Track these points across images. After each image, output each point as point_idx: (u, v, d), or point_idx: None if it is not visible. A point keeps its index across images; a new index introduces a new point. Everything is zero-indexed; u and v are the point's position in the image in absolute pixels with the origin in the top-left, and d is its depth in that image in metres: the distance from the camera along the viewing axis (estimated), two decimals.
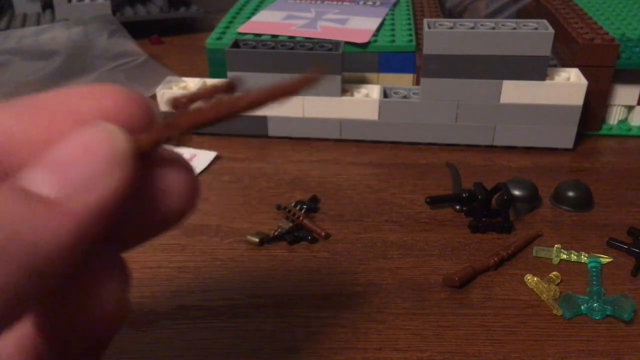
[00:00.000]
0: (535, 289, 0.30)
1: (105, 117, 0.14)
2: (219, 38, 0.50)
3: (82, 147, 0.13)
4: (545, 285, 0.30)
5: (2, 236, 0.12)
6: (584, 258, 0.32)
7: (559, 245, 0.33)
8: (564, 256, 0.33)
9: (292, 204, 0.36)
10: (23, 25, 0.64)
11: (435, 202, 0.37)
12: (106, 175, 0.13)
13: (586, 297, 0.29)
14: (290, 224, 0.35)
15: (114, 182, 0.13)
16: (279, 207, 0.36)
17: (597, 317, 0.29)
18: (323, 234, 0.34)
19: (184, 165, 0.15)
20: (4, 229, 0.12)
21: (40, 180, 0.13)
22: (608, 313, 0.28)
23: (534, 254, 0.33)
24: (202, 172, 0.41)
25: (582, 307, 0.29)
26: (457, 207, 0.37)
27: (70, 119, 0.14)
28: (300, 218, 0.35)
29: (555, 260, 0.32)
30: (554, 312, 0.29)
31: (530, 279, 0.31)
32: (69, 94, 0.14)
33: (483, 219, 0.35)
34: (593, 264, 0.32)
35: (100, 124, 0.14)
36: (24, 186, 0.13)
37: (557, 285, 0.31)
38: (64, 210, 0.13)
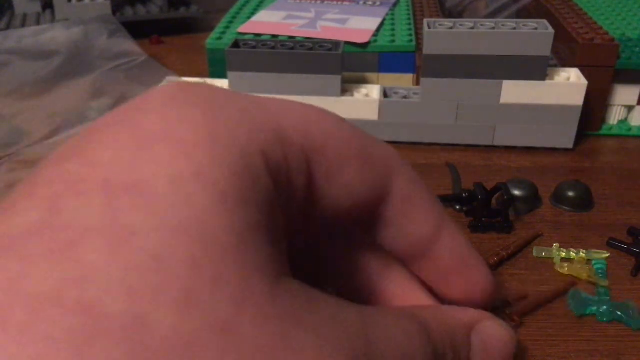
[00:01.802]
0: (574, 274, 0.31)
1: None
2: (219, 38, 0.50)
3: (503, 347, 0.18)
4: (579, 266, 0.31)
5: None
6: (582, 254, 0.33)
7: (557, 244, 0.33)
8: (564, 254, 0.33)
9: None
10: (23, 25, 0.64)
11: None
12: None
13: (595, 297, 0.29)
14: None
15: None
16: None
17: (604, 320, 0.28)
18: None
19: None
20: None
21: (476, 348, 0.18)
22: (616, 318, 0.28)
23: (534, 255, 0.33)
24: None
25: (591, 308, 0.29)
26: (457, 207, 0.37)
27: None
28: None
29: (557, 260, 0.32)
30: (601, 283, 0.30)
31: (561, 266, 0.32)
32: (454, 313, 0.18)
33: (483, 219, 0.35)
34: (599, 265, 0.32)
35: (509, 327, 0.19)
36: (470, 353, 0.18)
37: (586, 264, 0.32)
38: None
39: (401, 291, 0.19)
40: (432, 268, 0.19)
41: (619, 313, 0.28)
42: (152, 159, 0.13)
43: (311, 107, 0.16)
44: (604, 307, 0.29)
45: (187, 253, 0.12)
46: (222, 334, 0.11)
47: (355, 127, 0.17)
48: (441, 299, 0.20)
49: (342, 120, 0.17)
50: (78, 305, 0.11)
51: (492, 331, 0.18)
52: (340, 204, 0.16)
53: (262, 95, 0.17)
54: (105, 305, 0.11)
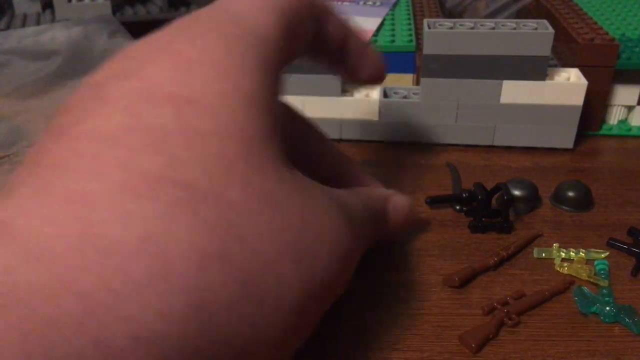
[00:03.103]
0: (574, 274, 0.31)
1: None
2: None
3: (406, 209, 0.30)
4: (579, 266, 0.31)
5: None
6: (582, 254, 0.33)
7: (557, 244, 0.33)
8: (564, 254, 0.33)
9: None
10: (23, 25, 0.64)
11: (435, 202, 0.37)
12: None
13: (598, 297, 0.29)
14: None
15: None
16: None
17: (607, 321, 0.28)
18: None
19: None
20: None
21: (393, 211, 0.29)
22: (619, 321, 0.28)
23: (535, 255, 0.33)
24: None
25: (594, 307, 0.29)
26: (457, 207, 0.37)
27: None
28: None
29: (557, 260, 0.32)
30: (601, 284, 0.30)
31: (561, 266, 0.32)
32: None
33: (483, 219, 0.35)
34: (601, 266, 0.32)
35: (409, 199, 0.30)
36: (389, 213, 0.29)
37: (586, 264, 0.32)
38: (393, 233, 0.32)
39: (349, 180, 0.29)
40: (349, 58, 0.27)
41: (622, 316, 0.28)
42: (198, 77, 0.18)
43: None
44: (608, 307, 0.29)
45: (242, 149, 0.17)
46: (263, 199, 0.17)
47: None
48: (358, 80, 0.29)
49: None
50: (176, 182, 0.16)
51: (399, 200, 0.29)
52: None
53: None
54: (196, 184, 0.16)
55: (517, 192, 0.36)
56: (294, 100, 0.44)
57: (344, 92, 0.44)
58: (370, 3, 0.58)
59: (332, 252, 0.19)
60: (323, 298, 0.20)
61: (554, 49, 0.43)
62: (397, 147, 0.45)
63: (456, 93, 0.43)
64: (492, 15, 0.58)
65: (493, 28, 0.41)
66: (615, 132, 0.47)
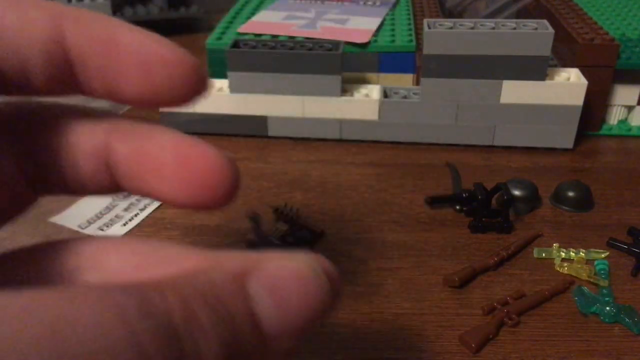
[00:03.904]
0: (574, 274, 0.31)
1: None
2: (219, 38, 0.50)
3: (299, 284, 0.12)
4: (579, 266, 0.32)
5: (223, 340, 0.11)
6: (582, 254, 0.33)
7: (557, 244, 0.33)
8: (564, 254, 0.33)
9: (283, 206, 0.36)
10: None
11: (435, 202, 0.37)
12: (314, 323, 0.12)
13: (598, 297, 0.29)
14: (287, 226, 0.35)
15: (312, 327, 0.12)
16: (275, 210, 0.36)
17: (607, 321, 0.28)
18: (319, 231, 0.34)
19: None
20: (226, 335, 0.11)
21: (260, 298, 0.12)
22: (619, 321, 0.28)
23: (535, 255, 0.33)
24: None
25: (594, 307, 0.29)
26: (457, 207, 0.37)
27: None
28: (294, 218, 0.35)
29: (557, 260, 0.32)
30: (601, 284, 0.30)
31: (561, 266, 0.32)
32: None
33: (483, 219, 0.35)
34: (601, 266, 0.32)
35: (309, 259, 0.13)
36: (253, 307, 0.12)
37: (586, 264, 0.32)
38: (270, 351, 0.12)
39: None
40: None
41: (622, 316, 0.28)
42: None
43: None
44: (608, 307, 0.29)
45: None
46: None
47: None
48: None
49: None
50: None
51: (277, 270, 0.13)
52: None
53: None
54: None
55: (517, 192, 0.36)
56: (294, 100, 0.44)
57: (344, 92, 0.44)
58: (370, 3, 0.58)
59: None
60: None
61: (554, 49, 0.43)
62: (397, 147, 0.45)
63: (456, 93, 0.43)
64: (492, 15, 0.58)
65: (493, 28, 0.41)
66: (615, 132, 0.47)
